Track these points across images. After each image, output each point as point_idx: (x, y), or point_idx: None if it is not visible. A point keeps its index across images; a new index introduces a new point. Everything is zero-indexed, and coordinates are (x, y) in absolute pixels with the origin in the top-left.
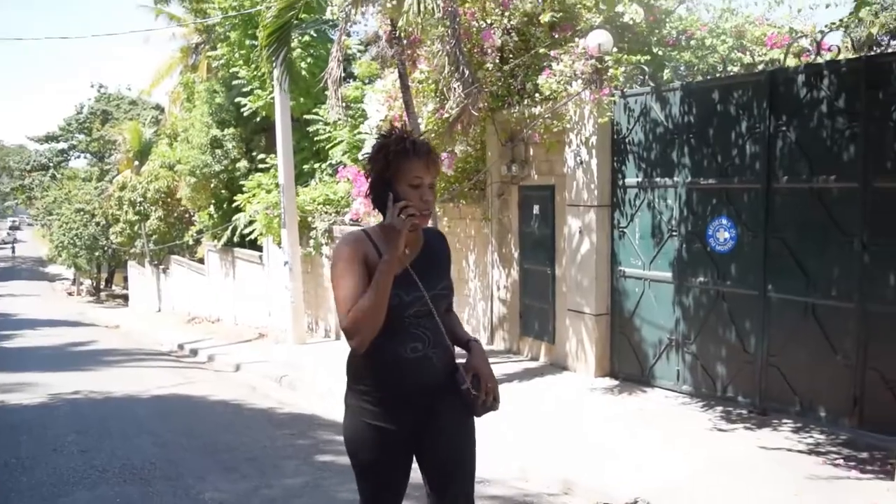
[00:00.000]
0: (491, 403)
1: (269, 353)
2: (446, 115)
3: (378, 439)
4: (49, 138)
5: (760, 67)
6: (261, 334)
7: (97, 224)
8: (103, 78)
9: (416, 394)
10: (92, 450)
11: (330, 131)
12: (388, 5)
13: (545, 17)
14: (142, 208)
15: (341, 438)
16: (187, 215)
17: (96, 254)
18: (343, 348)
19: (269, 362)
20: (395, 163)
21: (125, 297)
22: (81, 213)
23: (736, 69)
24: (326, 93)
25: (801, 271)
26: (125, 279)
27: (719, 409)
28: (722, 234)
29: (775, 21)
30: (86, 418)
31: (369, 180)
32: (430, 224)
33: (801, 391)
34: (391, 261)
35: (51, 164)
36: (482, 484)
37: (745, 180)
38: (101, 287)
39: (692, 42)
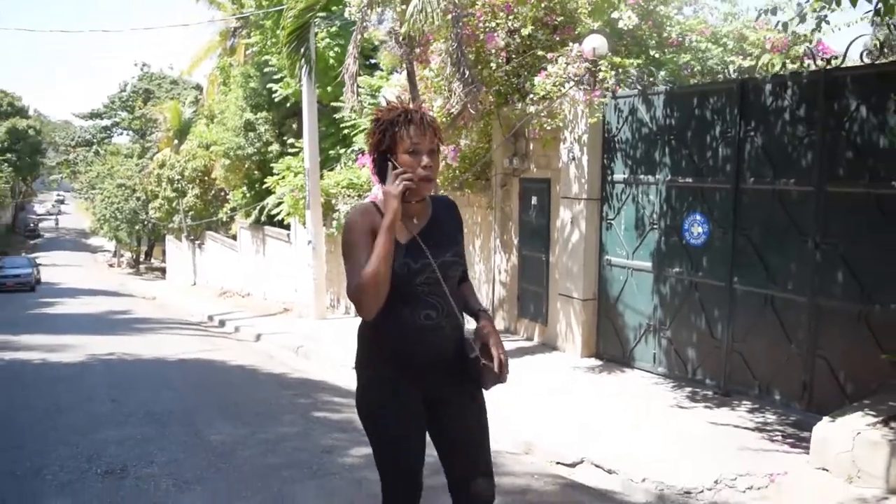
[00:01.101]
0: (500, 374)
1: (291, 326)
2: (452, 111)
3: (392, 407)
4: (93, 115)
5: (740, 73)
6: (286, 309)
7: (137, 199)
8: (146, 56)
9: (429, 362)
10: (120, 399)
11: (355, 119)
12: (398, 9)
13: (526, 30)
14: (179, 186)
15: (339, 399)
16: (223, 193)
17: (136, 227)
18: (356, 323)
19: (290, 334)
20: (391, 133)
21: (163, 271)
22: (123, 188)
23: (733, 72)
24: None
25: (762, 266)
26: (164, 253)
27: (688, 389)
28: (696, 229)
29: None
30: (117, 375)
31: (372, 155)
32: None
33: (760, 375)
34: (387, 227)
35: (94, 140)
36: None
37: (717, 180)
38: (141, 260)
39: (693, 44)
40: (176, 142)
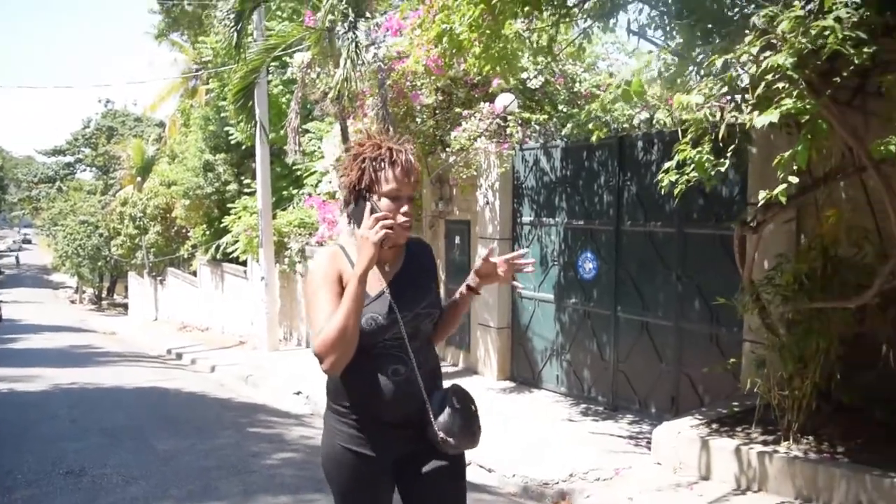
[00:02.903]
0: (457, 445)
1: (245, 357)
2: None
3: (356, 466)
4: (56, 152)
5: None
6: (241, 342)
7: (100, 235)
8: (110, 92)
9: (398, 420)
10: (80, 419)
11: (307, 162)
12: (331, 73)
13: (429, 99)
14: (141, 223)
15: (274, 419)
16: (184, 230)
17: (99, 264)
18: (306, 355)
19: (242, 365)
20: (372, 172)
21: (125, 306)
22: (85, 224)
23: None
24: (305, 125)
25: (638, 296)
26: (126, 289)
27: (583, 405)
28: (587, 265)
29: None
30: (78, 400)
31: (345, 191)
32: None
33: (640, 392)
34: (359, 277)
35: (57, 177)
36: None
37: (603, 223)
38: (103, 296)
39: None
40: (139, 179)
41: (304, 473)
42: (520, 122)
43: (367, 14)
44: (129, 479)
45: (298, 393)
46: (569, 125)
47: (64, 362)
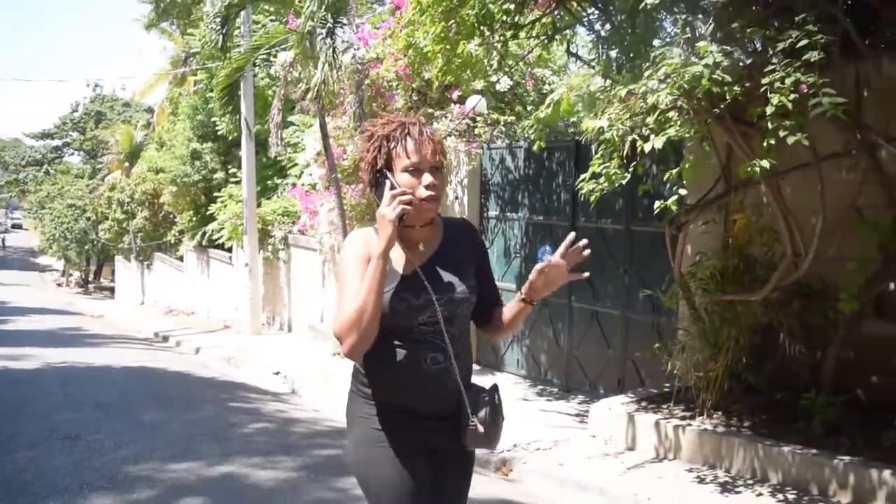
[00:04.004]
0: (489, 441)
1: (229, 340)
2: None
3: (392, 455)
4: (44, 135)
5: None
6: (226, 326)
7: (88, 219)
8: (100, 74)
9: (433, 412)
10: (73, 394)
11: (289, 154)
12: (311, 73)
13: (399, 102)
14: (129, 208)
15: (253, 395)
16: (171, 216)
17: (86, 247)
18: (288, 339)
19: (225, 347)
20: (387, 148)
21: (112, 290)
22: (73, 208)
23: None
24: (290, 118)
25: (590, 287)
26: (113, 273)
27: (539, 387)
28: (546, 258)
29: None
30: (71, 377)
31: (367, 174)
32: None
33: (590, 375)
34: (379, 255)
35: (45, 160)
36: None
37: (560, 219)
38: (90, 279)
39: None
40: (127, 164)
41: (275, 440)
42: (488, 122)
43: (345, 20)
44: (119, 444)
45: (277, 373)
46: (519, 129)
47: (54, 343)
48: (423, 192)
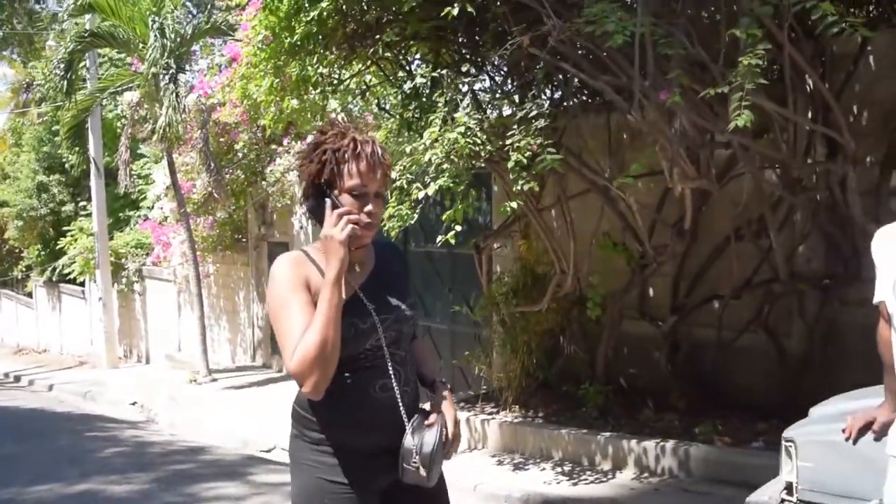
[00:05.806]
0: (426, 476)
1: (84, 375)
2: (206, 192)
3: (348, 499)
4: None
5: None
6: (81, 362)
7: None
8: None
9: (386, 445)
10: None
11: (141, 185)
12: (158, 114)
13: (239, 143)
14: None
15: (109, 425)
16: (17, 250)
17: None
18: (146, 370)
19: (81, 382)
20: (333, 165)
21: None
22: None
23: None
24: (140, 149)
25: (422, 305)
26: None
27: None
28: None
29: None
30: None
31: (303, 185)
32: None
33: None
34: (333, 281)
35: None
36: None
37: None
38: None
39: None
40: None
41: (131, 460)
42: None
43: (187, 67)
44: None
45: (134, 403)
46: None
47: None
48: (363, 219)
